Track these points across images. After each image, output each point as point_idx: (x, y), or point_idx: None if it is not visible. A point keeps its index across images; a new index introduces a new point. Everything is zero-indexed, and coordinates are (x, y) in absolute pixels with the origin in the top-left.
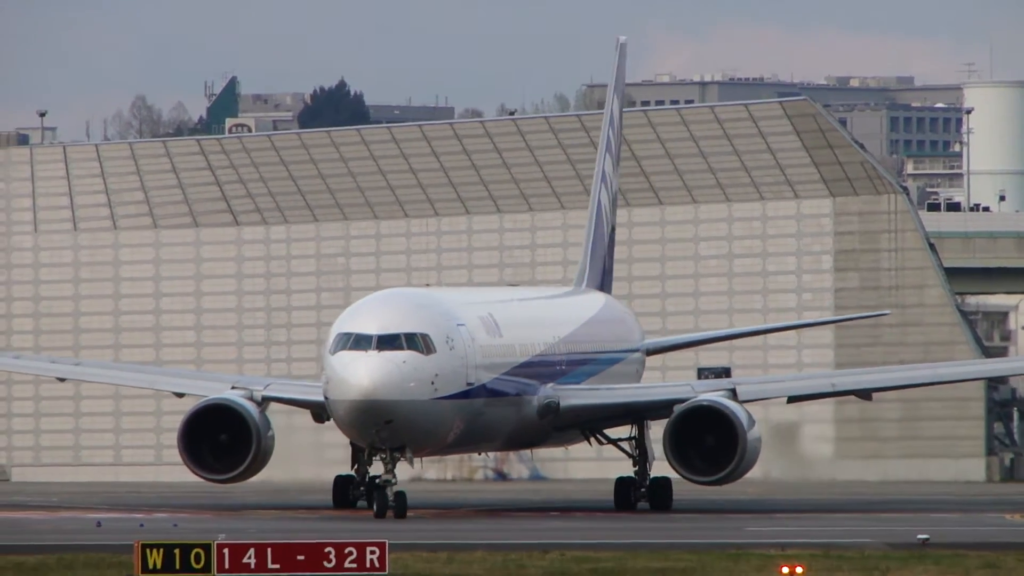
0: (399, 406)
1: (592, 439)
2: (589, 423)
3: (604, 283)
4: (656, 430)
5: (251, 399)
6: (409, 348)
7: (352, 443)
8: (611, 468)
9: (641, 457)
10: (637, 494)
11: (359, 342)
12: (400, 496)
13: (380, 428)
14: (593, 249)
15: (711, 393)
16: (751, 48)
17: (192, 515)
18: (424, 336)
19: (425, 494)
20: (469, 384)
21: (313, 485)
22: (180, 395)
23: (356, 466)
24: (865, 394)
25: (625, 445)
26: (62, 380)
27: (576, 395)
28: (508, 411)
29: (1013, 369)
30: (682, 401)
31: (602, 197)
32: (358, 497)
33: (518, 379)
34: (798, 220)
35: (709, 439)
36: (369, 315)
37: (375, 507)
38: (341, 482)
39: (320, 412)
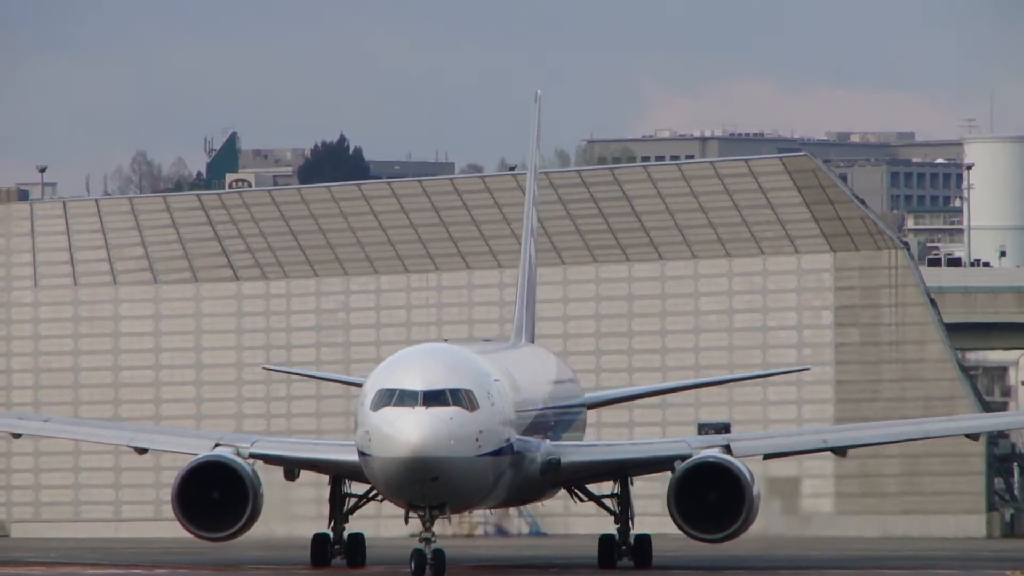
0: (446, 463)
1: (575, 496)
2: (586, 480)
3: (532, 336)
4: (645, 486)
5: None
6: (454, 404)
7: (331, 500)
8: (611, 524)
9: (623, 514)
10: (620, 551)
11: (404, 398)
12: (439, 555)
13: (425, 485)
14: (528, 302)
15: (710, 449)
16: (746, 103)
17: (191, 571)
18: (468, 392)
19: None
20: (506, 441)
21: (286, 541)
22: (142, 452)
23: (332, 524)
24: (841, 451)
25: (608, 502)
26: (17, 436)
27: (575, 452)
28: (521, 468)
29: (1006, 424)
30: (681, 457)
31: (532, 250)
32: (335, 555)
33: (530, 437)
34: (798, 275)
35: (712, 496)
36: (411, 371)
37: (413, 566)
38: (319, 540)
39: (292, 470)
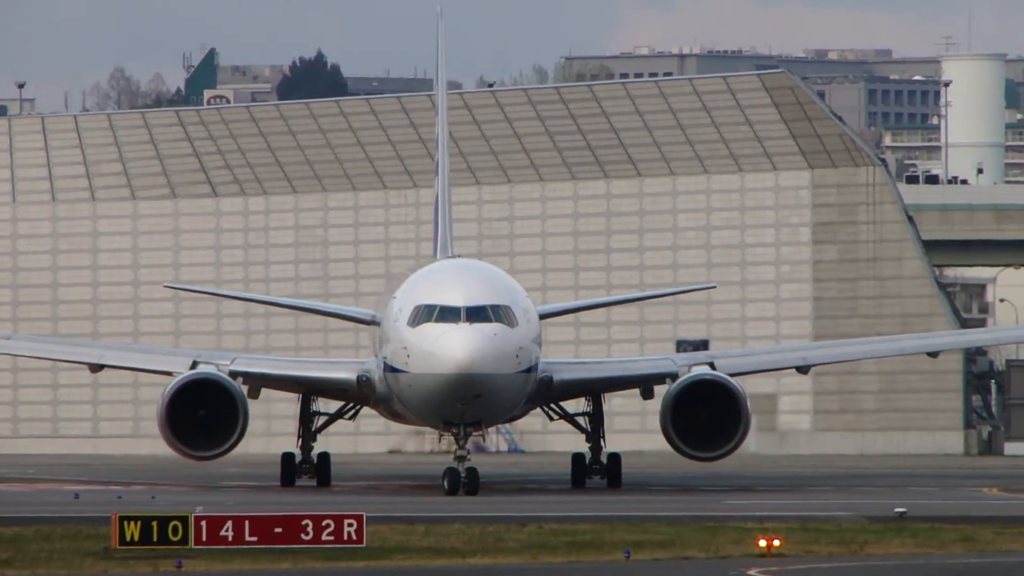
0: (490, 380)
1: (548, 414)
2: (575, 397)
3: (451, 252)
4: (617, 404)
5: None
6: (496, 320)
7: (300, 419)
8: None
9: (595, 432)
10: (591, 469)
11: (446, 314)
12: (472, 472)
13: (467, 402)
14: (447, 218)
15: (699, 367)
16: (721, 20)
17: (170, 488)
18: (507, 308)
19: (404, 466)
20: (536, 358)
21: (263, 458)
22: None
23: (300, 443)
24: (805, 369)
25: (581, 420)
26: None
27: (566, 370)
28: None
29: (988, 340)
30: (668, 375)
31: (446, 165)
32: (302, 473)
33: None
34: (776, 192)
35: (705, 414)
36: (450, 286)
37: (447, 484)
38: (288, 459)
39: (256, 388)
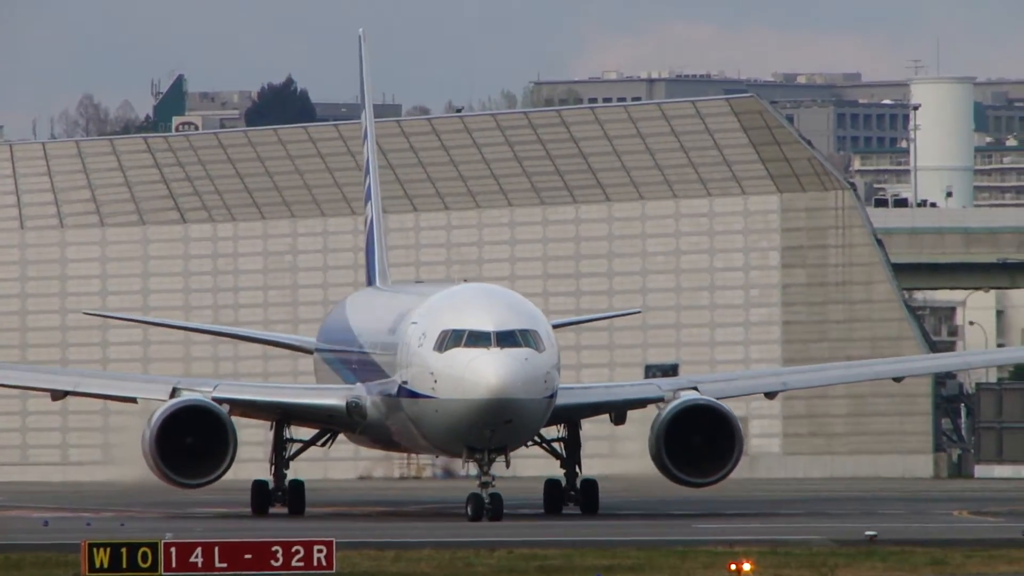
0: (521, 405)
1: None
2: (562, 422)
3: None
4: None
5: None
6: (525, 345)
7: (274, 446)
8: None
9: (571, 458)
10: (567, 496)
11: (475, 339)
12: (496, 498)
13: (497, 428)
14: (383, 243)
15: (687, 392)
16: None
17: (139, 514)
18: (535, 333)
19: (375, 492)
20: (557, 383)
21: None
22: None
23: (273, 470)
24: (772, 394)
25: (555, 445)
26: None
27: (561, 395)
28: None
29: (956, 365)
30: (655, 400)
31: (377, 190)
32: (275, 502)
33: None
34: (745, 216)
35: (697, 439)
36: (477, 311)
37: (470, 510)
38: (260, 488)
39: (255, 415)
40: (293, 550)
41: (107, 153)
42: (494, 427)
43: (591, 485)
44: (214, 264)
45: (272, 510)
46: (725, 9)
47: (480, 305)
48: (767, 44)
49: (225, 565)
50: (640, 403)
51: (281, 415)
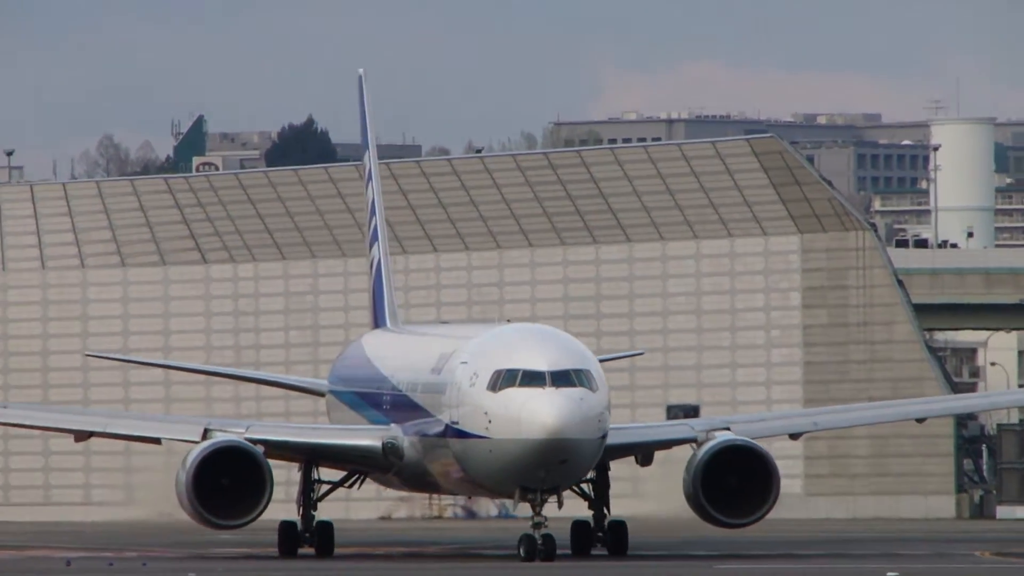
0: (578, 445)
1: None
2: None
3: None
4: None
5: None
6: (579, 385)
7: (302, 487)
8: (578, 507)
9: (600, 499)
10: (596, 538)
11: (530, 379)
12: (548, 539)
13: (552, 468)
14: (391, 285)
15: (722, 432)
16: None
17: (162, 554)
18: (587, 373)
19: (395, 532)
20: (608, 423)
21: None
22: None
23: (302, 511)
24: (796, 435)
25: (584, 486)
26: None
27: None
28: None
29: (992, 405)
30: (688, 441)
31: (383, 230)
32: (303, 543)
33: None
34: (766, 257)
35: (732, 479)
36: (529, 350)
37: (523, 551)
38: (287, 529)
39: (295, 457)
40: None
41: (128, 193)
42: (549, 467)
43: (620, 526)
44: (235, 304)
45: (300, 551)
46: (739, 50)
47: (533, 345)
48: (783, 85)
49: None
50: (673, 443)
51: (310, 456)
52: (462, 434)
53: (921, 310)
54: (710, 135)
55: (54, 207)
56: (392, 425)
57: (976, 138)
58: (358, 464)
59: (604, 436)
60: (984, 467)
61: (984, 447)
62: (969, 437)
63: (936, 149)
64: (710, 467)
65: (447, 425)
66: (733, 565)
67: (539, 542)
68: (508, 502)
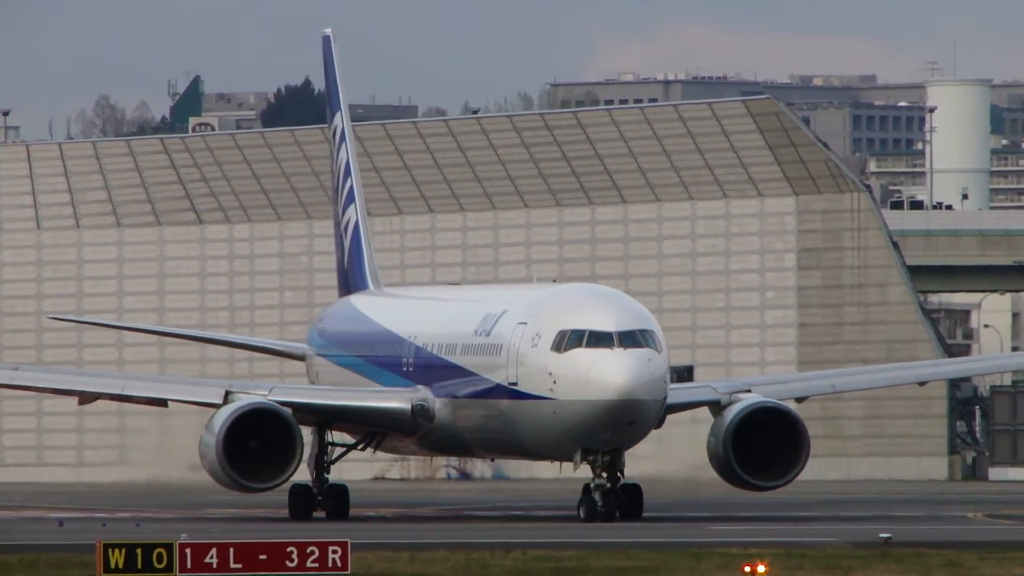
0: (645, 406)
1: None
2: None
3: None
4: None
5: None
6: (646, 346)
7: (317, 450)
8: (569, 468)
9: (614, 462)
10: (609, 502)
11: (597, 339)
12: (609, 501)
13: (619, 429)
14: (371, 247)
15: (746, 394)
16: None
17: (154, 514)
18: (652, 333)
19: (390, 494)
20: (669, 385)
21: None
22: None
23: (315, 475)
24: (801, 399)
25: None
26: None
27: None
28: None
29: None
30: (711, 403)
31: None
32: (317, 507)
33: None
34: (761, 218)
35: (760, 441)
36: (595, 311)
37: (582, 512)
38: (301, 492)
39: (309, 418)
40: (308, 551)
41: (124, 154)
42: (616, 428)
43: (635, 489)
44: (230, 265)
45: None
46: (733, 11)
47: (597, 305)
48: (779, 47)
49: (240, 566)
50: (697, 404)
51: (330, 418)
52: (520, 395)
53: (916, 272)
54: (707, 97)
55: (50, 167)
56: (419, 387)
57: (972, 100)
58: (381, 427)
59: (665, 398)
60: (977, 429)
61: (977, 409)
62: (962, 399)
63: (932, 111)
64: (740, 429)
65: (500, 386)
66: (727, 526)
67: (599, 504)
68: (501, 463)
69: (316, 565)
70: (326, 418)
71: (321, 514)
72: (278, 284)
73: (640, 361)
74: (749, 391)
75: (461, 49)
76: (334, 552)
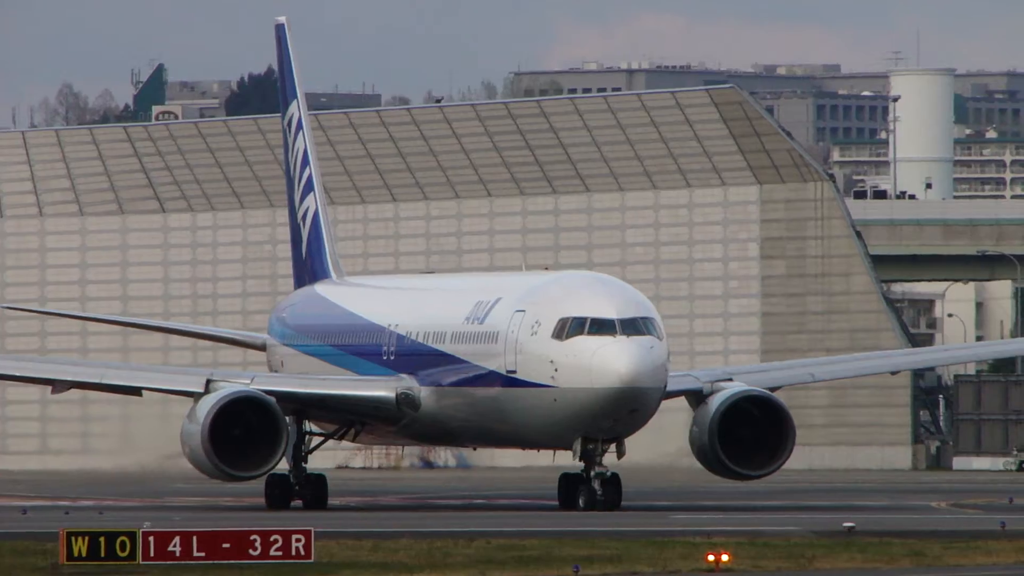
0: (648, 394)
1: None
2: None
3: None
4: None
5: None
6: (647, 333)
7: (297, 436)
8: (534, 457)
9: (592, 451)
10: (589, 490)
11: (599, 326)
12: (610, 488)
13: (620, 418)
14: (332, 235)
15: (728, 383)
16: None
17: (118, 503)
18: (653, 321)
19: (353, 483)
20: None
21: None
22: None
23: (293, 464)
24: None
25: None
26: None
27: None
28: None
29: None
30: (693, 392)
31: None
32: (294, 497)
33: None
34: (724, 207)
35: (745, 430)
36: (597, 298)
37: (582, 502)
38: (277, 482)
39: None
40: (271, 539)
41: (87, 142)
42: (618, 416)
43: (613, 479)
44: (193, 253)
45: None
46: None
47: (598, 292)
48: (743, 36)
49: (203, 554)
50: (678, 394)
51: (302, 407)
52: (518, 383)
53: (879, 261)
54: (670, 86)
55: (13, 155)
56: (403, 376)
57: (935, 89)
58: (363, 416)
59: (665, 386)
60: (941, 418)
61: (941, 398)
62: (926, 388)
63: (895, 100)
64: (725, 419)
65: (495, 373)
66: (690, 515)
67: (599, 492)
68: (464, 452)
69: (280, 553)
70: (304, 407)
71: (298, 503)
72: (241, 272)
73: (643, 348)
74: (731, 380)
75: (424, 38)
76: (297, 540)
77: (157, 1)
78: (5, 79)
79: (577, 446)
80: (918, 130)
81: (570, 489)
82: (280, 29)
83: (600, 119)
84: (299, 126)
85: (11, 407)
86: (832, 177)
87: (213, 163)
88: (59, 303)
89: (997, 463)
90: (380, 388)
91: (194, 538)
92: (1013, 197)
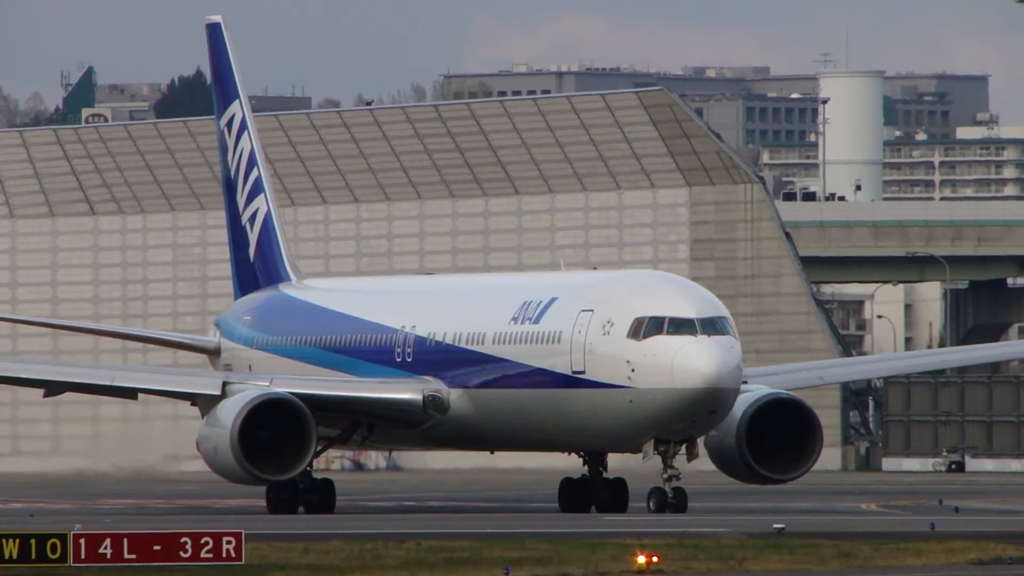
0: (728, 394)
1: None
2: None
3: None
4: None
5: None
6: (725, 333)
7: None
8: (466, 459)
9: (597, 455)
10: (596, 494)
11: (678, 326)
12: (680, 492)
13: (699, 418)
14: (284, 232)
15: (748, 386)
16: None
17: (49, 505)
18: (729, 321)
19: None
20: None
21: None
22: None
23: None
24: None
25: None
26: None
27: None
28: None
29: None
30: None
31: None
32: (301, 502)
33: None
34: (654, 209)
35: (770, 434)
36: (672, 297)
37: (652, 504)
38: (285, 485)
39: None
40: (202, 541)
41: (16, 145)
42: (696, 418)
43: (619, 483)
44: (123, 256)
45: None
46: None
47: (673, 291)
48: (665, 39)
49: (134, 556)
50: None
51: (315, 409)
52: (586, 383)
53: (809, 263)
54: (600, 88)
55: None
56: (427, 378)
57: (865, 91)
58: (383, 419)
59: (739, 388)
60: (870, 420)
61: (870, 399)
62: (856, 390)
63: (825, 102)
64: (754, 423)
65: (555, 374)
66: (621, 516)
67: (670, 495)
68: (395, 454)
69: (210, 555)
70: (315, 409)
71: (302, 508)
72: (171, 275)
73: (724, 348)
74: (745, 382)
75: (354, 40)
76: (228, 543)
77: (86, 3)
78: None
79: (649, 447)
80: (847, 132)
81: (573, 495)
82: (215, 29)
83: (530, 121)
84: (243, 126)
85: (22, 408)
86: (762, 179)
87: (143, 165)
88: None
89: (927, 464)
90: (405, 391)
91: (125, 540)
92: (942, 199)
